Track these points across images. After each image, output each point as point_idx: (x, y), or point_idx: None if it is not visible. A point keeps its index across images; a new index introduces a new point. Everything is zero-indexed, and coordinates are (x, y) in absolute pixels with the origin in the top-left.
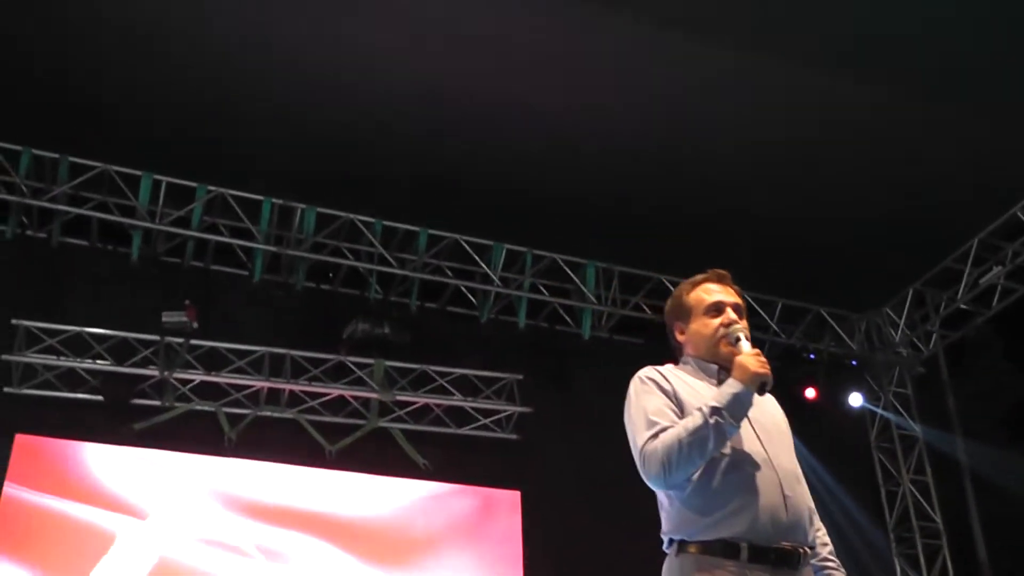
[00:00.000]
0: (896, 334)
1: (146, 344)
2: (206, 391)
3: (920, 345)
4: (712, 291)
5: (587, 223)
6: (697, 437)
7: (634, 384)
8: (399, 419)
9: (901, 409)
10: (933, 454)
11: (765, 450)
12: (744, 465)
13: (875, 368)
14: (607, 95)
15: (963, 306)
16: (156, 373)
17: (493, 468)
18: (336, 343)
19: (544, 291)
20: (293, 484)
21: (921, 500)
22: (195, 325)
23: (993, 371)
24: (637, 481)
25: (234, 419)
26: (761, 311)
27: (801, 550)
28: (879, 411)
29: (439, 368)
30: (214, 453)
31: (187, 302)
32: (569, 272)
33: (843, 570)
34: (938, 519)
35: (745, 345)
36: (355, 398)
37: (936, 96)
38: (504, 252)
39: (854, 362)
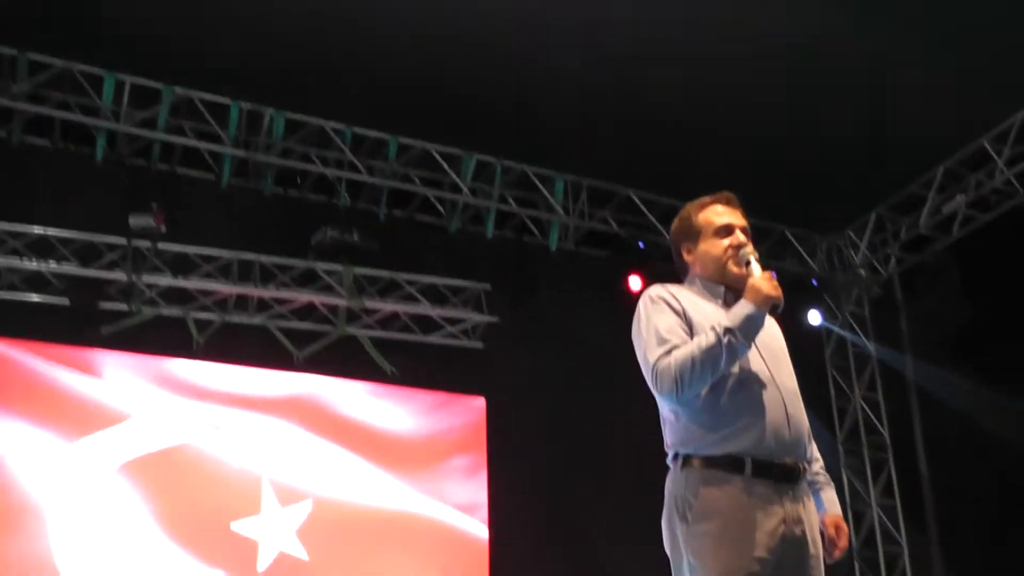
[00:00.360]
0: (857, 256)
1: (112, 247)
2: (174, 296)
3: (879, 267)
4: (721, 213)
5: (558, 136)
6: (710, 355)
7: (644, 302)
8: (366, 326)
9: (857, 328)
10: (885, 372)
11: (769, 370)
12: (751, 384)
13: (834, 288)
14: (577, 9)
15: (924, 232)
16: (123, 277)
17: (459, 376)
18: (304, 250)
19: (512, 202)
20: (263, 383)
21: (871, 415)
22: (163, 229)
23: (947, 296)
24: (598, 389)
25: (202, 325)
26: None
27: (801, 466)
28: (836, 329)
29: (407, 276)
30: (184, 356)
31: (154, 205)
32: (538, 184)
33: (832, 484)
34: (885, 434)
35: (756, 268)
36: (324, 305)
37: (905, 25)
38: (474, 162)
39: (815, 281)
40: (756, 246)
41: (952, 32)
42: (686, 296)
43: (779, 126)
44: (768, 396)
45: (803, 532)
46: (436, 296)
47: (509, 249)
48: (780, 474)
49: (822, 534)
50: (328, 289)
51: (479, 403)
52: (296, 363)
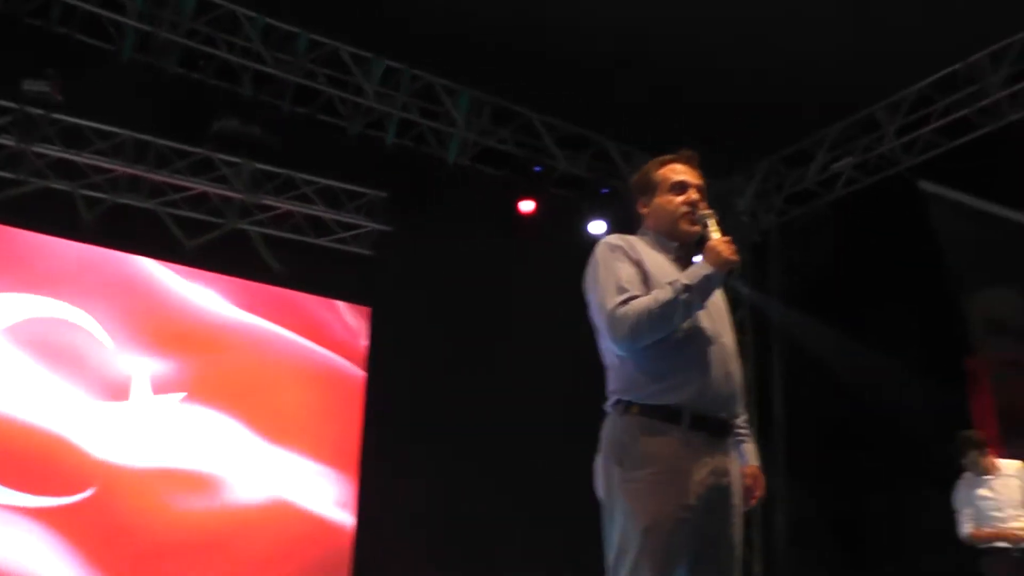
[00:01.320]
0: (742, 202)
1: (3, 111)
2: (64, 169)
3: (761, 216)
4: (678, 171)
5: (466, 52)
6: (667, 309)
7: (601, 250)
8: (258, 223)
9: (734, 271)
10: (755, 316)
11: (713, 327)
12: (696, 339)
13: None
14: None
15: (810, 187)
16: (12, 143)
17: (346, 282)
18: (202, 136)
19: (414, 111)
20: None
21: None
22: (59, 98)
23: (822, 249)
24: (484, 305)
25: (92, 202)
26: (620, 161)
27: (732, 421)
28: None
29: (305, 176)
30: (70, 237)
31: (50, 71)
32: (444, 96)
33: (752, 437)
34: (748, 376)
35: (715, 231)
36: (218, 196)
37: None
38: (383, 67)
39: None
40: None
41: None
42: (640, 246)
43: (684, 68)
44: (711, 352)
45: (728, 483)
46: (332, 199)
47: (407, 158)
48: (714, 427)
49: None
50: (223, 180)
51: (365, 312)
52: (185, 252)
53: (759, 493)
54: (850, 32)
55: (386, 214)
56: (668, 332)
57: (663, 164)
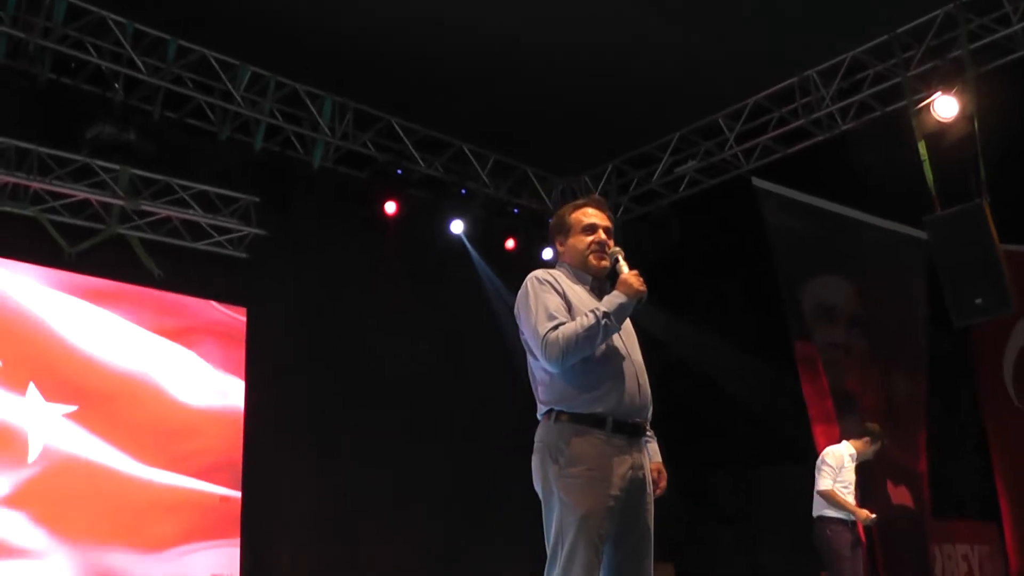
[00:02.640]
0: None
1: None
2: None
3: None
4: (589, 214)
5: (330, 58)
6: (590, 333)
7: (532, 282)
8: (137, 228)
9: None
10: None
11: (625, 347)
12: (613, 357)
13: None
14: None
15: (655, 188)
16: None
17: (223, 284)
18: (78, 142)
19: (279, 117)
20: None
21: None
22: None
23: (664, 244)
24: (354, 304)
25: None
26: (475, 163)
27: (644, 425)
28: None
29: (181, 181)
30: None
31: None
32: (307, 102)
33: (655, 439)
34: None
35: (624, 266)
36: (98, 202)
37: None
38: (249, 73)
39: (550, 220)
40: (500, 181)
41: (711, 15)
42: (563, 280)
43: (539, 73)
44: (626, 368)
45: (643, 475)
46: (207, 204)
47: (274, 162)
48: (631, 430)
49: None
50: (102, 186)
51: (240, 313)
52: (67, 259)
53: (663, 484)
54: (695, 45)
55: (259, 217)
56: (592, 351)
57: (576, 208)
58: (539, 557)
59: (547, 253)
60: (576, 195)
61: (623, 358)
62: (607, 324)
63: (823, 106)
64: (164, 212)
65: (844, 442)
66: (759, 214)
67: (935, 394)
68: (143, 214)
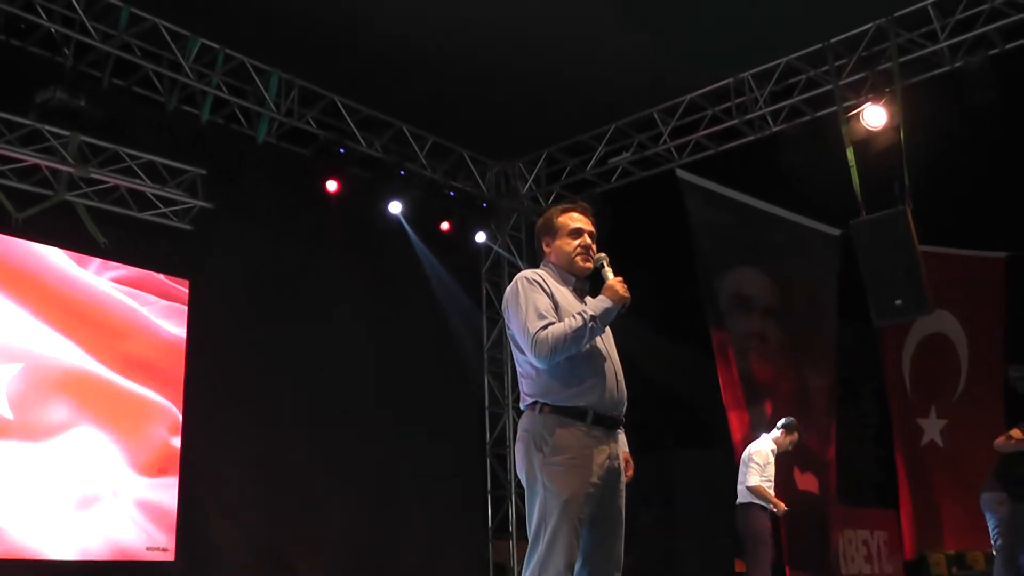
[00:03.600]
0: (524, 186)
1: None
2: None
3: (541, 199)
4: (575, 219)
5: (277, 34)
6: (577, 334)
7: (521, 282)
8: (84, 195)
9: (513, 250)
10: None
11: (605, 347)
12: (595, 356)
13: (499, 211)
14: None
15: (588, 176)
16: None
17: (167, 255)
18: (26, 106)
19: (225, 89)
20: None
21: None
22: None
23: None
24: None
25: None
26: (414, 144)
27: (620, 418)
28: (495, 248)
29: (129, 151)
30: None
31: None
32: (254, 76)
33: (623, 430)
34: None
35: (609, 273)
36: (47, 168)
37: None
38: (199, 45)
39: (485, 204)
40: (436, 162)
41: (654, 12)
42: (549, 280)
43: (481, 60)
44: (607, 367)
45: (618, 464)
46: (154, 174)
47: (220, 135)
48: (609, 423)
49: None
50: (51, 152)
51: (183, 285)
52: (14, 224)
53: (630, 472)
54: (636, 40)
55: (204, 189)
56: (577, 351)
57: (563, 211)
58: (473, 527)
59: (480, 236)
60: (509, 180)
61: (604, 358)
62: (593, 327)
63: (756, 107)
64: (113, 181)
65: (765, 436)
66: (683, 207)
67: (841, 384)
68: (91, 182)
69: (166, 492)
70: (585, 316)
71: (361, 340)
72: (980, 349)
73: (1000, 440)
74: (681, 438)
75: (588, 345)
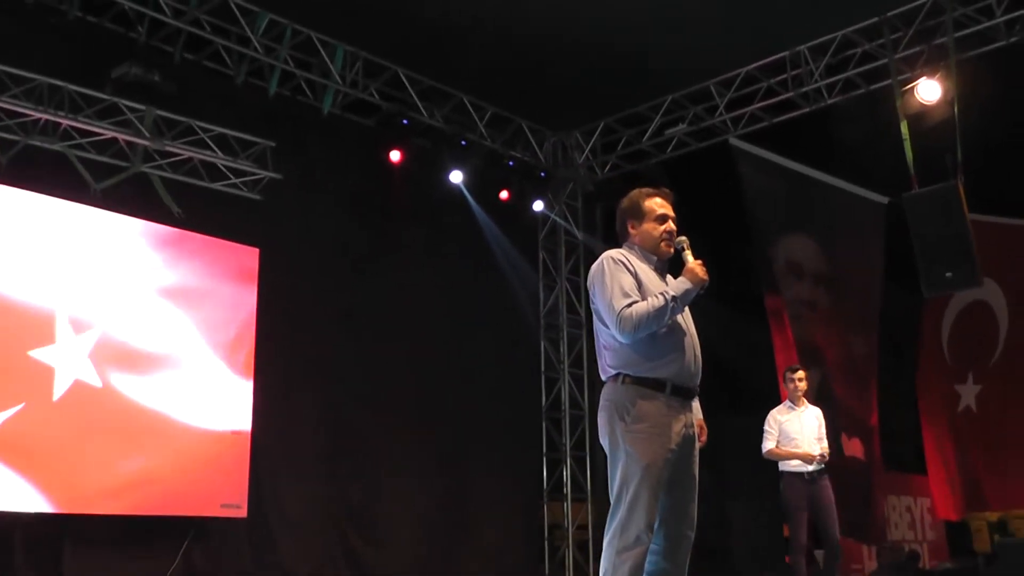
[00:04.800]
0: (580, 156)
1: None
2: None
3: (597, 169)
4: (661, 204)
5: (342, 7)
6: (660, 312)
7: (607, 262)
8: (159, 167)
9: (570, 218)
10: (589, 261)
11: (685, 324)
12: (675, 332)
13: (556, 181)
14: None
15: (645, 147)
16: None
17: (239, 224)
18: (102, 81)
19: (291, 63)
20: (58, 214)
21: (572, 296)
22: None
23: None
24: (362, 251)
25: (5, 145)
26: (474, 114)
27: (696, 389)
28: (552, 216)
29: (201, 124)
30: None
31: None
32: (320, 49)
33: (697, 399)
34: (582, 313)
35: (689, 256)
36: (124, 141)
37: None
38: (267, 19)
39: (543, 173)
40: (496, 133)
41: None
42: (633, 260)
43: (540, 31)
44: (685, 342)
45: (693, 432)
46: (225, 146)
47: (286, 107)
48: (686, 394)
49: None
50: (127, 125)
51: (254, 253)
52: (92, 194)
53: (704, 438)
54: (693, 13)
55: (273, 161)
56: (659, 328)
57: (649, 196)
58: (530, 486)
59: (538, 205)
60: (566, 150)
61: (684, 334)
62: (673, 306)
63: (811, 80)
64: (187, 153)
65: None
66: (737, 175)
67: (884, 351)
68: (164, 154)
69: (239, 453)
70: (667, 296)
71: (424, 305)
72: (1018, 318)
73: None
74: (732, 403)
75: (669, 322)
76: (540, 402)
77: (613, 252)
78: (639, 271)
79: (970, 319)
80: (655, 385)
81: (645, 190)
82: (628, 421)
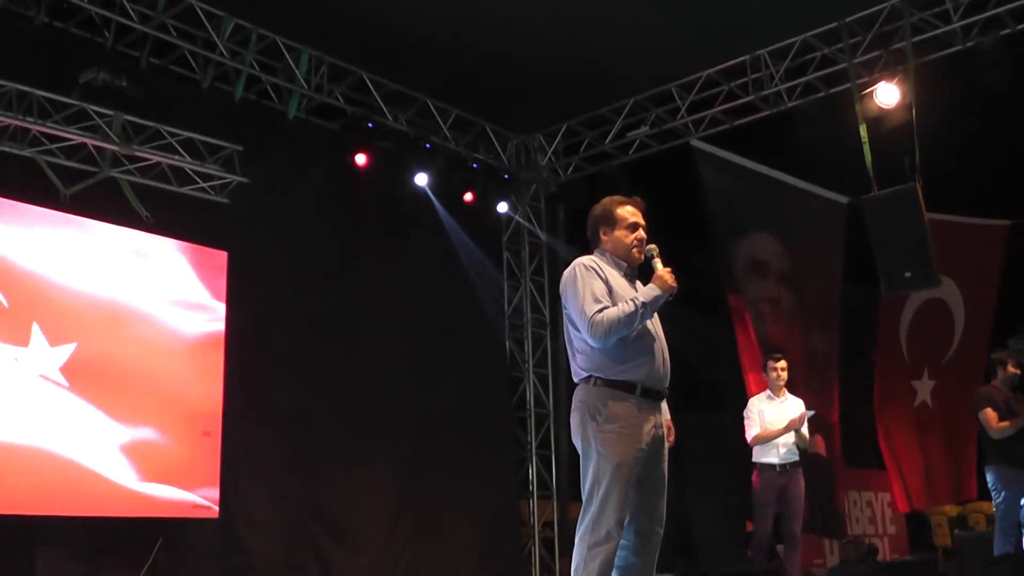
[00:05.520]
0: (543, 158)
1: None
2: None
3: (560, 171)
4: (632, 213)
5: (306, 12)
6: (630, 318)
7: (579, 268)
8: (127, 172)
9: (533, 219)
10: (552, 261)
11: (654, 329)
12: (645, 337)
13: (519, 182)
14: None
15: (607, 149)
16: None
17: (206, 228)
18: (70, 86)
19: (257, 67)
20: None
21: (536, 296)
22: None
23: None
24: (329, 253)
25: None
26: (437, 117)
27: (664, 391)
28: (516, 218)
29: (169, 128)
30: None
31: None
32: (285, 53)
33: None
34: (546, 313)
35: (659, 264)
36: (93, 146)
37: None
38: (232, 24)
39: (507, 175)
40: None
41: None
42: (604, 267)
43: (502, 33)
44: (654, 346)
45: (661, 432)
46: (193, 150)
47: (251, 111)
48: (655, 396)
49: None
50: (95, 130)
51: (222, 256)
52: (62, 199)
53: (672, 437)
54: (655, 15)
55: (241, 165)
56: (629, 333)
57: (621, 204)
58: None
59: (502, 207)
60: (530, 152)
61: (653, 338)
62: (643, 312)
63: (772, 84)
64: (155, 157)
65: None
66: (697, 175)
67: (843, 347)
68: (133, 159)
69: (210, 452)
70: (636, 302)
71: (391, 306)
72: (974, 315)
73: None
74: (692, 402)
75: (639, 327)
76: (509, 402)
77: (585, 259)
78: (610, 277)
79: (927, 316)
80: (625, 387)
81: (617, 198)
82: (600, 421)
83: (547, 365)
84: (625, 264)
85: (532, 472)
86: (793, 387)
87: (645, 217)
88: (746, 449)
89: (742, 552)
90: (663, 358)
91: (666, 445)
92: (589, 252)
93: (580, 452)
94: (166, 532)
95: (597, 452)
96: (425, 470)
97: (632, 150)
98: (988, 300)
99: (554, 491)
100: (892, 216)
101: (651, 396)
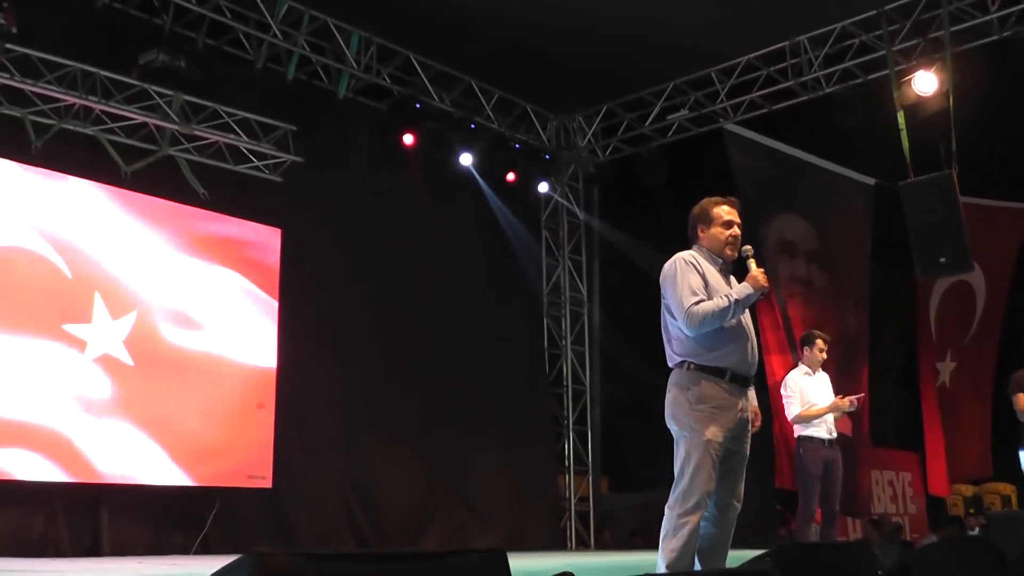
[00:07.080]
0: (583, 139)
1: None
2: (13, 97)
3: (599, 151)
4: (728, 212)
5: None
6: (724, 312)
7: (679, 262)
8: (185, 150)
9: (572, 199)
10: (589, 240)
11: (745, 322)
12: (736, 328)
13: (559, 163)
14: None
15: (646, 131)
16: None
17: (261, 205)
18: (130, 67)
19: (307, 48)
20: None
21: (574, 274)
22: (14, 30)
23: (651, 182)
24: (377, 230)
25: (39, 128)
26: (481, 97)
27: (752, 378)
28: (555, 197)
29: (226, 108)
30: (20, 160)
31: (6, 3)
32: (336, 34)
33: (753, 388)
34: (584, 291)
35: (753, 264)
36: (153, 125)
37: None
38: (286, 6)
39: (547, 155)
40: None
41: None
42: (701, 262)
43: (546, 16)
44: (745, 334)
45: (747, 416)
46: (249, 130)
47: (302, 91)
48: (743, 381)
49: None
50: (155, 110)
51: (276, 233)
52: (123, 177)
53: (758, 423)
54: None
55: (295, 144)
56: (720, 325)
57: (718, 204)
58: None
59: (542, 186)
60: (570, 133)
61: (743, 330)
62: (736, 308)
63: (810, 70)
64: (213, 136)
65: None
66: (727, 157)
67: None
68: (191, 138)
69: (264, 425)
70: (731, 299)
71: (437, 283)
72: (991, 297)
73: None
74: None
75: (732, 321)
76: (546, 378)
77: (684, 254)
78: (706, 272)
79: (954, 299)
80: (716, 372)
81: (714, 198)
82: (692, 401)
83: (584, 342)
84: (720, 260)
85: (568, 447)
86: (824, 365)
87: (740, 215)
88: (765, 429)
89: (773, 529)
90: (752, 348)
91: (750, 428)
92: (628, 231)
93: (673, 431)
94: (222, 500)
95: (690, 428)
96: (463, 445)
97: (671, 133)
98: (1004, 282)
99: (589, 466)
100: (928, 202)
101: (739, 382)
